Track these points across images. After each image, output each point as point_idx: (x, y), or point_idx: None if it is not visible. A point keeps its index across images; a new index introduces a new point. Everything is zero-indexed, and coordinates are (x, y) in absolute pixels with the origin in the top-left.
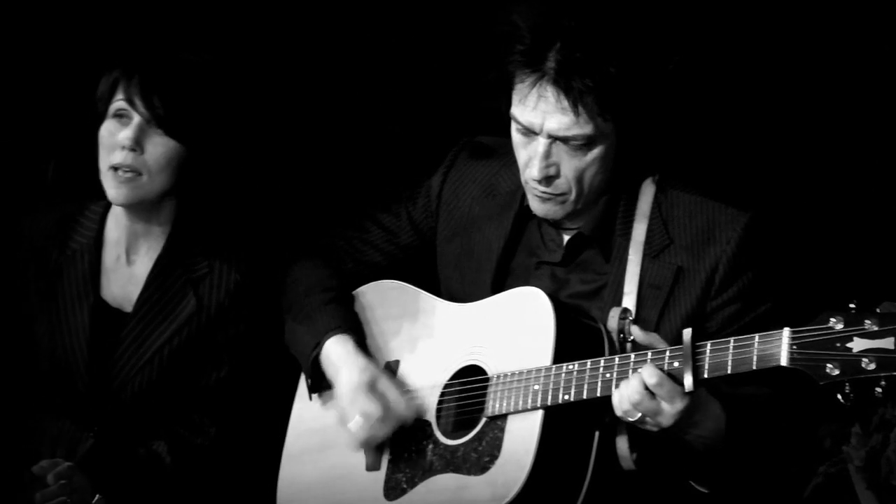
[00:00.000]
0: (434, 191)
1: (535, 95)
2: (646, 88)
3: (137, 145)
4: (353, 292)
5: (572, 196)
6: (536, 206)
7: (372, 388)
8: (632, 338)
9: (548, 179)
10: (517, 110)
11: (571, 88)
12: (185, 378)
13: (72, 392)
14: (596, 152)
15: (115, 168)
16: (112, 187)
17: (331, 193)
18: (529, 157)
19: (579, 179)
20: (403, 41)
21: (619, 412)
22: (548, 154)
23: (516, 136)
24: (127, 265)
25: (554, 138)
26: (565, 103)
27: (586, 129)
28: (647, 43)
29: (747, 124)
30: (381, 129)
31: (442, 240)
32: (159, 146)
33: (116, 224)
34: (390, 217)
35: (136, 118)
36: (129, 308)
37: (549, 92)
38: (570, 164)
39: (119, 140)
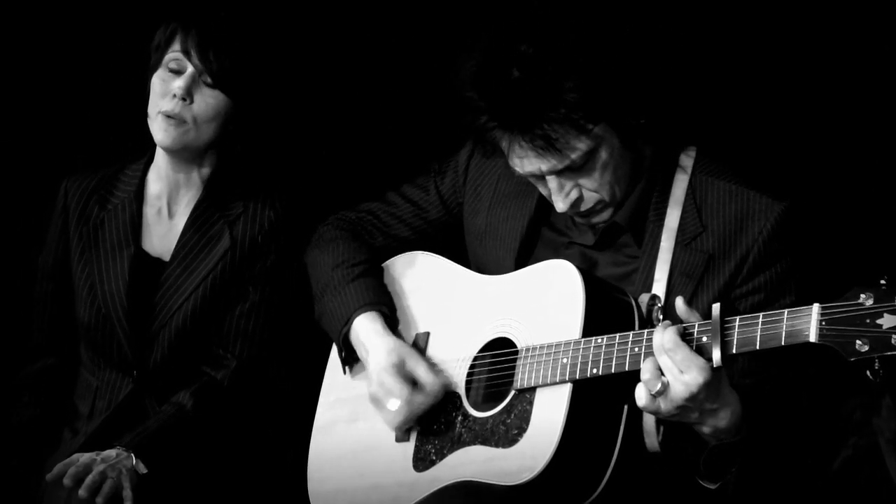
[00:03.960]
0: (461, 166)
1: (515, 150)
2: (612, 82)
3: (188, 95)
4: (383, 264)
5: (608, 200)
6: (584, 222)
7: (400, 368)
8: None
9: (576, 203)
10: (513, 165)
11: (537, 136)
12: (218, 314)
13: (111, 339)
14: (604, 156)
15: (165, 115)
16: (160, 130)
17: (366, 153)
18: (549, 193)
19: (604, 185)
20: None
21: (642, 379)
22: (562, 186)
23: (529, 180)
24: (168, 218)
25: (557, 172)
26: (540, 150)
27: (578, 151)
28: (593, 45)
29: (774, 106)
30: (420, 95)
31: (469, 215)
32: (209, 98)
33: (157, 177)
34: (418, 191)
35: (190, 69)
36: (168, 258)
37: (525, 144)
38: (588, 181)
39: (171, 88)
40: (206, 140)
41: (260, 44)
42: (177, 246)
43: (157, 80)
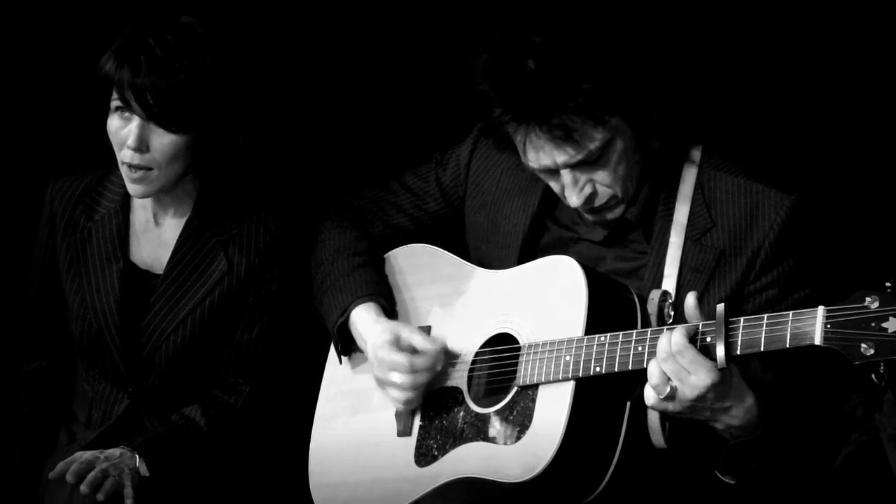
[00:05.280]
0: (463, 160)
1: (532, 142)
2: (627, 72)
3: (142, 143)
4: (385, 255)
5: (621, 195)
6: (596, 218)
7: (395, 343)
8: (671, 321)
9: (590, 198)
10: (526, 159)
11: (554, 127)
12: (217, 339)
13: (105, 355)
14: (617, 151)
15: (129, 166)
16: (129, 183)
17: (358, 153)
18: (562, 188)
19: (618, 180)
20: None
21: (650, 384)
22: (575, 181)
23: (541, 175)
24: (155, 227)
25: (571, 166)
26: (559, 141)
27: (596, 142)
28: (607, 34)
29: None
30: (407, 88)
31: (470, 211)
32: (164, 138)
33: None
34: (419, 181)
35: (136, 119)
36: (158, 270)
37: (542, 135)
38: (601, 176)
39: (125, 138)
40: (176, 176)
41: (201, 71)
42: (168, 264)
43: (112, 128)
